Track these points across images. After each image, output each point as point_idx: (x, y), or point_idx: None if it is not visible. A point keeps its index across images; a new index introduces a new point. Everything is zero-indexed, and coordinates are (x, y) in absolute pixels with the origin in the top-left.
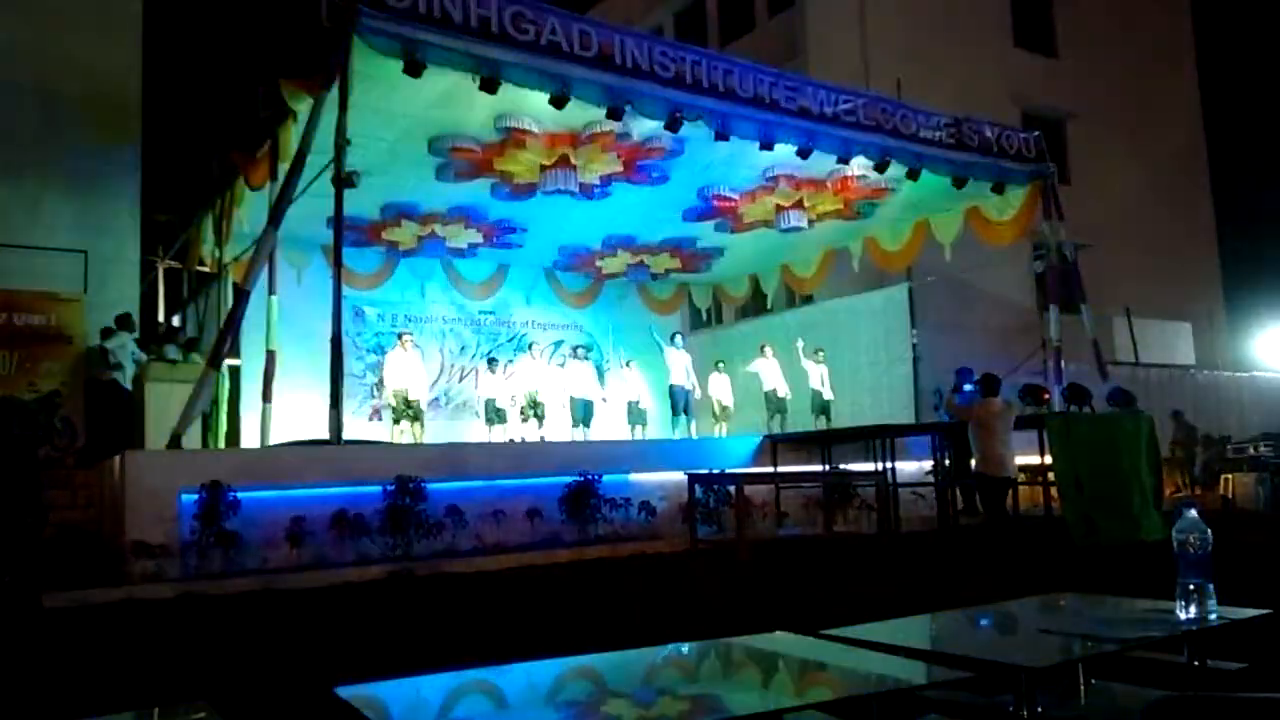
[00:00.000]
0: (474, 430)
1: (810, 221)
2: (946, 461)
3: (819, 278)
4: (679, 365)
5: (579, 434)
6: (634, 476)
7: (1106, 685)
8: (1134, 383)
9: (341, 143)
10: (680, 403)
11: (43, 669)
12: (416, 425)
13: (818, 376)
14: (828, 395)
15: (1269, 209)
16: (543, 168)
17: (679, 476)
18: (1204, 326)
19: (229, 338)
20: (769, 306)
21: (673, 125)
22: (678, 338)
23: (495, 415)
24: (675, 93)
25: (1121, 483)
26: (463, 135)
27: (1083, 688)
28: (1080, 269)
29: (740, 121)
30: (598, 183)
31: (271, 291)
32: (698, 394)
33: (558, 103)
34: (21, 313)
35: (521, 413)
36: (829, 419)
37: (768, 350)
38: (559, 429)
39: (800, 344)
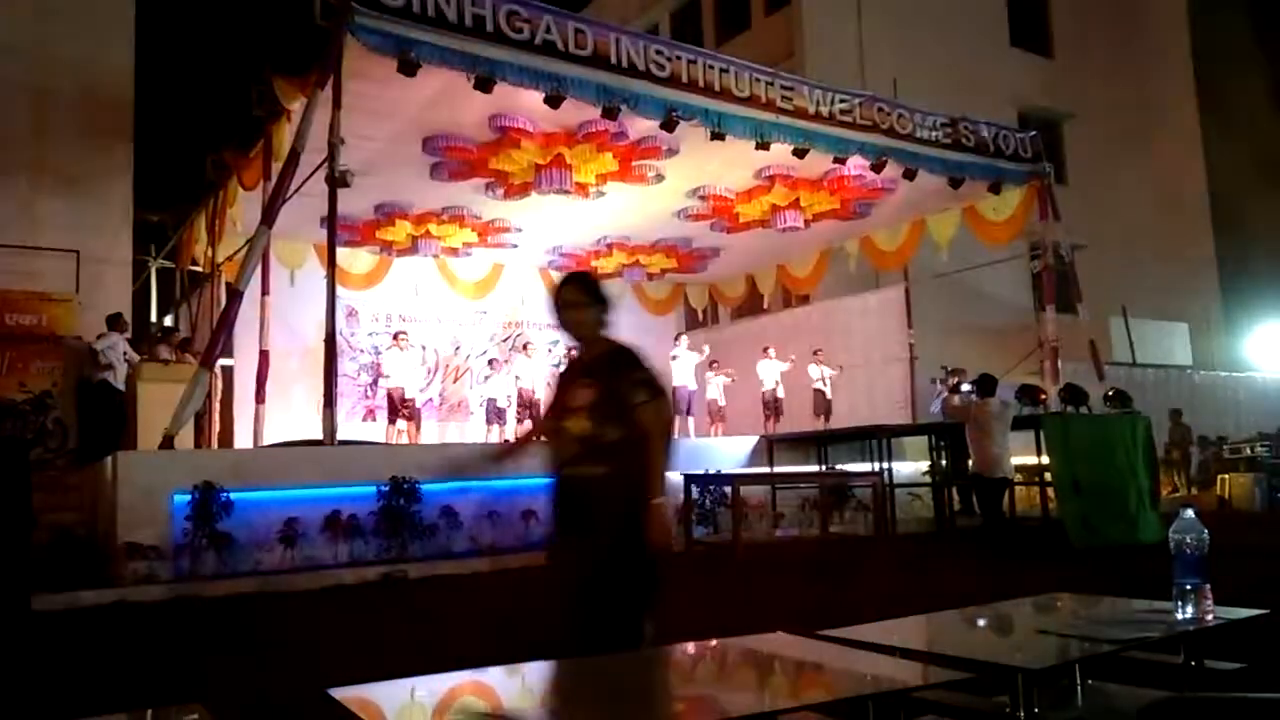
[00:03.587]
0: (469, 430)
1: (806, 221)
2: (943, 462)
3: (815, 278)
4: (684, 366)
5: None
6: None
7: (1103, 686)
8: (1131, 383)
9: (335, 142)
10: (684, 404)
11: (33, 672)
12: (411, 425)
13: (820, 377)
14: (829, 395)
15: (1265, 209)
16: (537, 167)
17: (675, 477)
18: (1201, 327)
19: (222, 338)
20: (765, 306)
21: (668, 125)
22: (683, 339)
23: (495, 415)
24: (671, 92)
25: (1118, 484)
26: (457, 134)
27: (1080, 688)
28: (1077, 269)
29: (736, 121)
30: (593, 182)
31: (265, 291)
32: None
33: (553, 102)
34: (13, 313)
35: (517, 413)
36: (828, 419)
37: (770, 351)
38: None
39: (770, 351)
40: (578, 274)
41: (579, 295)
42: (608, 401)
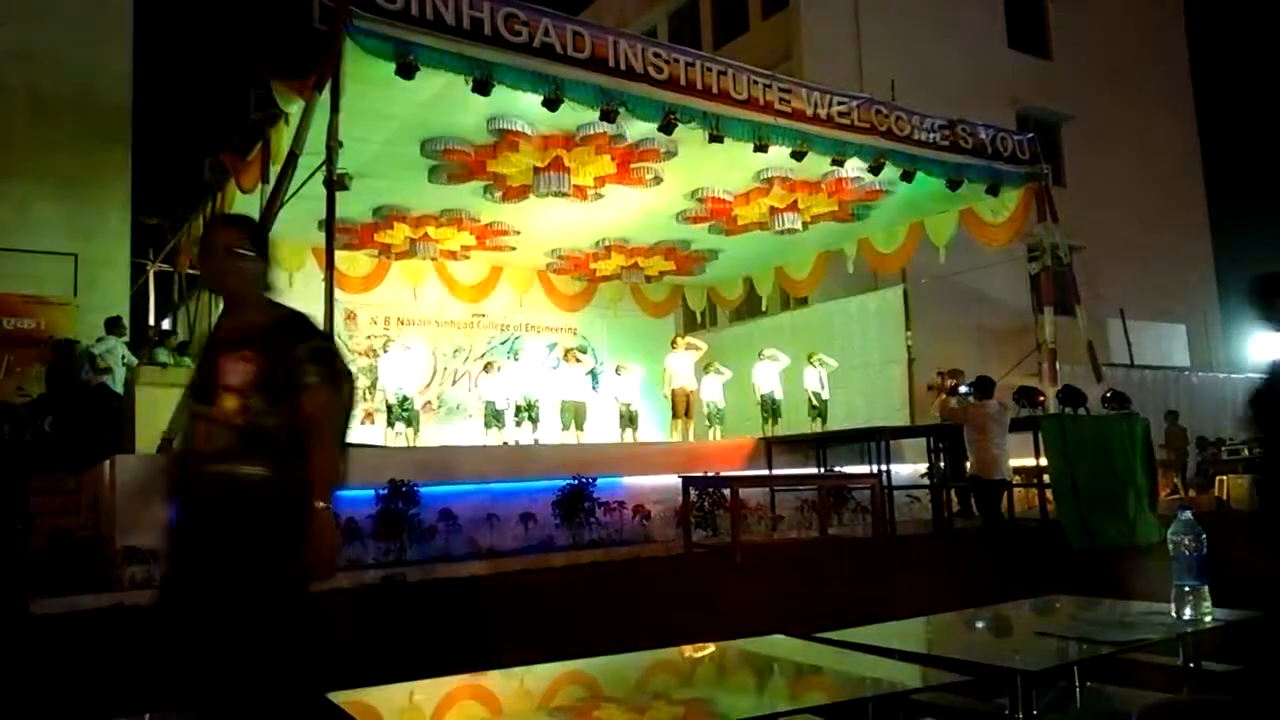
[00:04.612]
0: (467, 433)
1: (804, 224)
2: (941, 464)
3: (814, 280)
4: (682, 368)
5: (571, 437)
6: (628, 480)
7: (1102, 688)
8: (1129, 384)
9: (333, 145)
10: (682, 406)
11: (32, 676)
12: (410, 429)
13: (815, 378)
14: (825, 396)
15: (1263, 210)
16: (536, 170)
17: (673, 480)
18: (1198, 328)
19: None
20: (763, 309)
21: (666, 127)
22: (679, 341)
23: (494, 418)
24: (669, 94)
25: (1117, 485)
26: (455, 137)
27: (1078, 690)
28: (1075, 271)
29: (734, 123)
30: (591, 185)
31: None
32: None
33: (551, 105)
34: (10, 317)
35: (516, 415)
36: (824, 421)
37: (765, 353)
38: (553, 432)
39: (767, 353)
40: (240, 216)
41: (242, 240)
42: (270, 380)
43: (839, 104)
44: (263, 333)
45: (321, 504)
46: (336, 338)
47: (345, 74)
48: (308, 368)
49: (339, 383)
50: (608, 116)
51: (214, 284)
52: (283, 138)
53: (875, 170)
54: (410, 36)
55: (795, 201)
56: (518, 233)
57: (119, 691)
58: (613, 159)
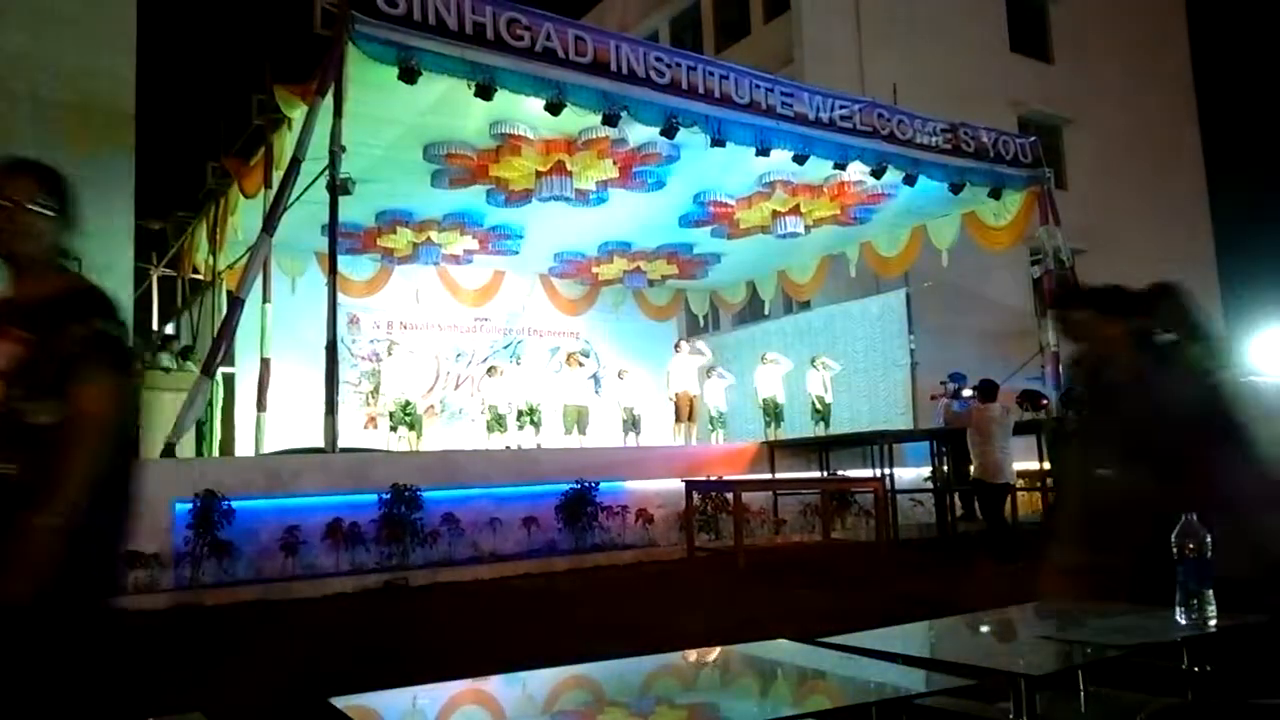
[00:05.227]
0: (470, 437)
1: (807, 227)
2: (945, 467)
3: (816, 284)
4: (684, 371)
5: (574, 441)
6: (631, 484)
7: (1105, 692)
8: None
9: (336, 149)
10: (685, 410)
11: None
12: (413, 433)
13: (819, 382)
14: (828, 400)
15: (1266, 213)
16: (538, 174)
17: (676, 484)
18: None
19: (223, 346)
20: (766, 312)
21: (669, 131)
22: (683, 344)
23: (497, 422)
24: (671, 99)
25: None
26: (458, 141)
27: (1082, 694)
28: (1077, 274)
29: (736, 127)
30: (594, 189)
31: (266, 299)
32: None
33: (553, 109)
34: None
35: (518, 419)
36: (827, 424)
37: (767, 357)
38: (555, 436)
39: (768, 357)
40: (37, 162)
41: (39, 193)
42: (44, 364)
43: (841, 108)
44: (42, 307)
45: (44, 518)
46: (340, 342)
47: (348, 79)
48: (85, 354)
49: (121, 376)
50: (610, 121)
51: None
52: (285, 143)
53: (877, 174)
54: (412, 41)
55: (798, 205)
56: (520, 237)
57: (118, 693)
58: (615, 163)
